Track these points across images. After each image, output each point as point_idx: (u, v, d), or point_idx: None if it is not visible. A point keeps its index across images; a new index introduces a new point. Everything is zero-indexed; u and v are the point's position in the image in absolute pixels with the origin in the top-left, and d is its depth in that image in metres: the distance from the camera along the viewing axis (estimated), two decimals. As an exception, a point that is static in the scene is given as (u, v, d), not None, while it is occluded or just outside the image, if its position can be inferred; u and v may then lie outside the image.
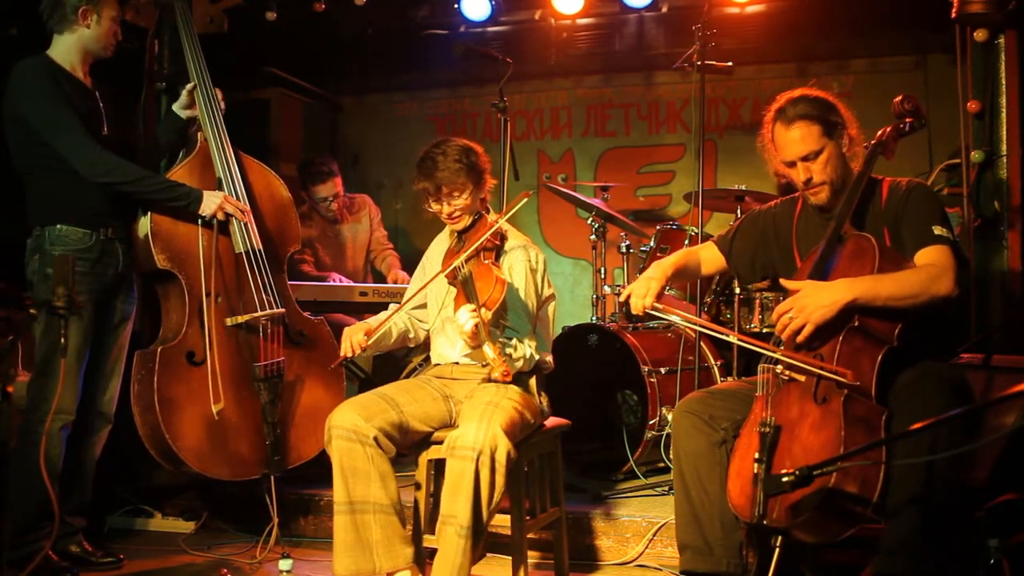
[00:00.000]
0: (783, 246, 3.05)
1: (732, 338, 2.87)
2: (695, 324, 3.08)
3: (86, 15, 3.48)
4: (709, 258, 3.22)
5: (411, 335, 3.49)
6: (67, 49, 3.51)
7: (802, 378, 2.62)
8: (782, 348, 2.71)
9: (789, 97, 2.90)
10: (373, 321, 3.34)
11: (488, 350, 2.84)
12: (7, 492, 3.34)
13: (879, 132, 2.94)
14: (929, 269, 2.68)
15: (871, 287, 2.61)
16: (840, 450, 2.39)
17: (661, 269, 3.03)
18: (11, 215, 3.55)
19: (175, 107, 3.83)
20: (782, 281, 2.78)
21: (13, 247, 3.54)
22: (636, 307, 2.91)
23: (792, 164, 2.87)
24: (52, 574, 3.37)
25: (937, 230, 2.74)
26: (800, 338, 2.64)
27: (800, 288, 2.67)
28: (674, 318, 2.92)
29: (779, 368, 2.65)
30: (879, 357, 2.61)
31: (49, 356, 3.39)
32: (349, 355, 3.23)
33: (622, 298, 3.01)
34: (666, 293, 4.42)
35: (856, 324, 2.62)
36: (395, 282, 5.00)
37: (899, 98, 2.98)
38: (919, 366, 2.66)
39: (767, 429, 2.53)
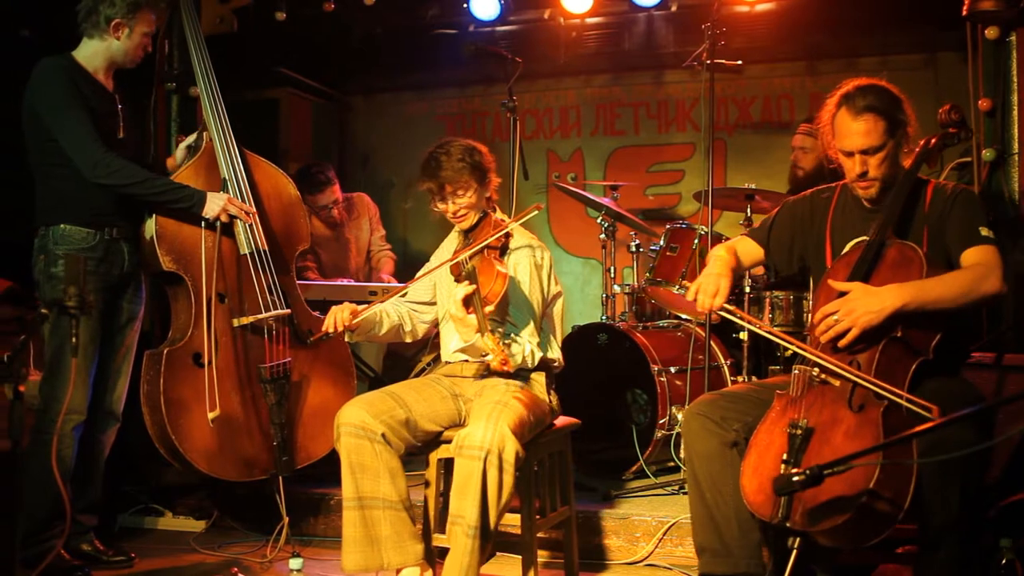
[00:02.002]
0: (817, 235, 3.00)
1: (807, 353, 2.64)
2: (766, 332, 2.90)
3: (118, 28, 3.50)
4: (745, 251, 3.14)
5: (407, 328, 3.45)
6: (93, 54, 3.53)
7: (836, 382, 2.58)
8: (818, 348, 2.66)
9: (859, 84, 2.83)
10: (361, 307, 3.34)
11: (486, 339, 2.83)
12: (20, 492, 3.36)
13: (923, 140, 2.90)
14: (976, 268, 2.66)
15: (920, 292, 2.58)
16: (878, 460, 2.35)
17: (726, 264, 2.94)
18: (22, 216, 3.57)
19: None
20: (830, 281, 2.71)
21: (25, 247, 3.55)
22: (703, 306, 2.82)
23: (850, 154, 2.82)
24: (64, 572, 3.39)
25: (983, 231, 2.72)
26: (843, 342, 2.60)
27: (848, 289, 2.63)
28: (743, 322, 2.85)
29: (815, 371, 2.61)
30: (912, 368, 2.59)
31: (58, 356, 3.41)
32: (331, 331, 3.20)
33: (689, 296, 2.89)
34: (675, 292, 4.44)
35: (898, 334, 2.59)
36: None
37: (946, 107, 2.95)
38: (940, 389, 2.61)
39: (798, 431, 2.48)
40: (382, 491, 3.01)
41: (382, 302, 3.39)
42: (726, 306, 2.81)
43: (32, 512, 3.37)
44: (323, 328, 3.23)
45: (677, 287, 4.38)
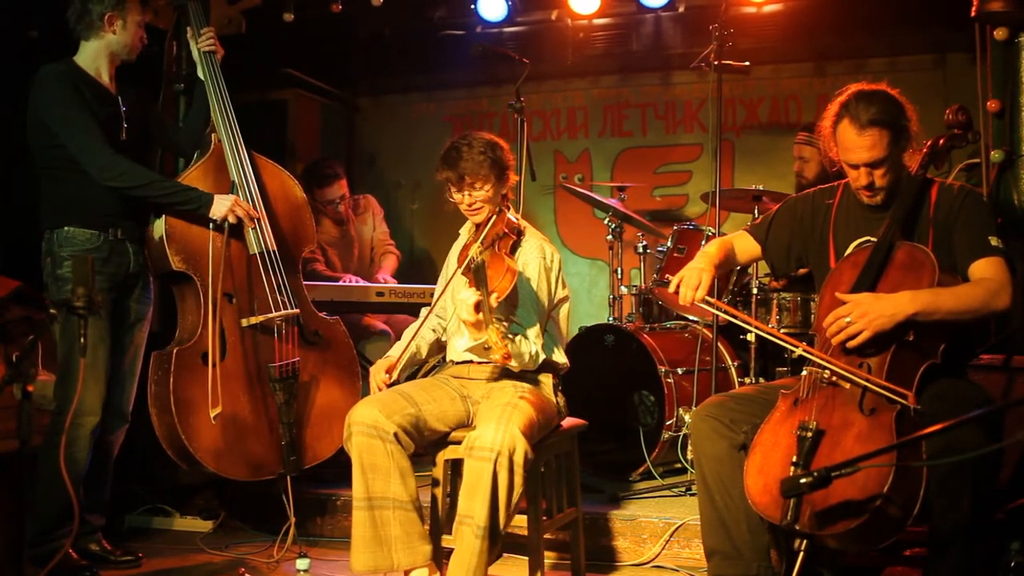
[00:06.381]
0: (819, 235, 2.99)
1: (799, 349, 2.63)
2: (749, 325, 2.90)
3: (112, 21, 3.51)
4: (743, 248, 3.14)
5: (444, 339, 3.49)
6: (94, 55, 3.54)
7: (847, 385, 2.58)
8: (828, 352, 2.64)
9: (860, 92, 2.78)
10: (394, 352, 3.36)
11: (489, 332, 2.80)
12: (30, 491, 3.37)
13: (929, 141, 2.88)
14: (988, 284, 2.65)
15: (932, 301, 2.57)
16: (890, 463, 2.33)
17: (709, 258, 2.92)
18: (32, 217, 3.58)
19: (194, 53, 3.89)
20: (838, 294, 2.69)
21: (36, 248, 3.56)
22: (686, 298, 2.80)
23: (855, 166, 2.79)
24: (72, 572, 3.39)
25: (993, 241, 2.71)
26: (854, 343, 2.58)
27: (857, 300, 2.62)
28: (724, 313, 2.83)
29: (826, 373, 2.60)
30: (920, 371, 2.59)
31: (69, 358, 3.42)
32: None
33: (671, 288, 2.87)
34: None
35: (910, 339, 2.58)
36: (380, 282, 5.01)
37: (953, 108, 2.94)
38: (946, 393, 2.61)
39: (808, 433, 2.45)
40: (392, 491, 3.01)
41: (413, 335, 3.39)
42: (708, 299, 2.79)
43: (41, 512, 3.38)
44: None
45: (633, 290, 4.38)
